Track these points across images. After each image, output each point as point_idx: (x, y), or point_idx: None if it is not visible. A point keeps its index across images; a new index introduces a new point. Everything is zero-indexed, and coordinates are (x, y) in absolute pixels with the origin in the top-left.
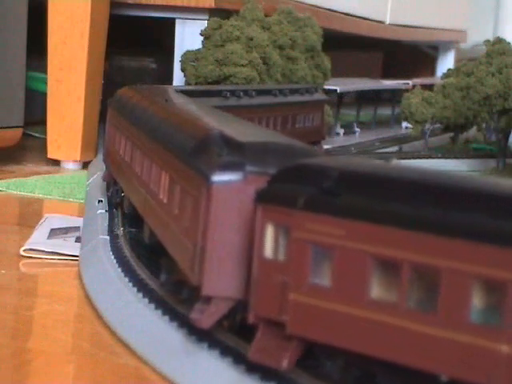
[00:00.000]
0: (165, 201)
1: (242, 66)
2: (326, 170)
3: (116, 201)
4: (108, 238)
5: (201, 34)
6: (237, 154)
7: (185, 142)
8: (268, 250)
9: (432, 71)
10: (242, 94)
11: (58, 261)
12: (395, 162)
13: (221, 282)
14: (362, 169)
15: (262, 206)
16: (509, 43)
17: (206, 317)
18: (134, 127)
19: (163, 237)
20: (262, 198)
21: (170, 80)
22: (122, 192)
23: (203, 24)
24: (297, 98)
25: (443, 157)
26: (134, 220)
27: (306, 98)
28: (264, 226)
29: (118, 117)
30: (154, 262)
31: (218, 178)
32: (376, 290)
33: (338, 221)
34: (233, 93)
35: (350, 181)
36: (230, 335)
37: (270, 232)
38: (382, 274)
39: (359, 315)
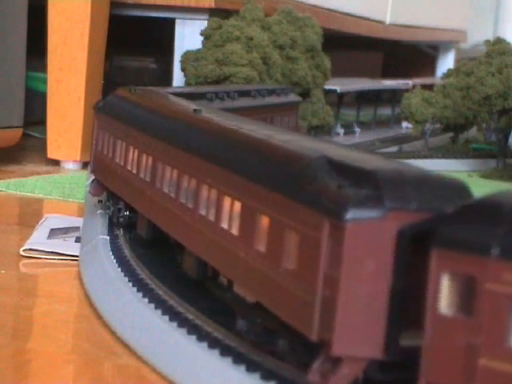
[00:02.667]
0: (238, 234)
1: (242, 65)
2: None
3: (118, 220)
4: (108, 238)
5: (201, 34)
6: (366, 184)
7: (273, 168)
8: (446, 305)
9: (432, 71)
10: (225, 96)
11: (58, 261)
12: None
13: (355, 339)
14: None
15: (438, 252)
16: (509, 43)
17: (336, 380)
18: (158, 141)
19: (236, 275)
20: (438, 242)
21: (169, 80)
22: (127, 211)
23: (203, 24)
24: (274, 99)
25: (443, 157)
26: (152, 244)
27: (282, 99)
28: (440, 275)
29: (117, 124)
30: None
31: (353, 215)
32: None
33: None
34: (216, 95)
35: None
36: (230, 335)
37: (448, 283)
38: None
39: None
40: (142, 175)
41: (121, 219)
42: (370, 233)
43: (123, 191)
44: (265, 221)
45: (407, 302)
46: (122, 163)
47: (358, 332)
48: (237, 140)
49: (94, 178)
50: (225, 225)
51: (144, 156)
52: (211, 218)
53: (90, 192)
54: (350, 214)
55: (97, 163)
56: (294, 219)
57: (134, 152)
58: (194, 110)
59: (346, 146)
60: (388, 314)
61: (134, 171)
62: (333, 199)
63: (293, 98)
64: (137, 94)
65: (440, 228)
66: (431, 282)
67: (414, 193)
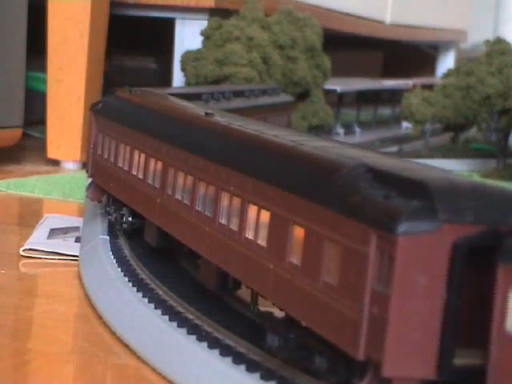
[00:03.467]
0: (266, 245)
1: (242, 65)
2: None
3: (121, 227)
4: (108, 238)
5: (201, 34)
6: (416, 195)
7: (308, 176)
8: None
9: (432, 71)
10: (220, 96)
11: (58, 261)
12: None
13: (407, 359)
14: None
15: (505, 267)
16: (509, 43)
17: None
18: (169, 145)
19: (265, 287)
20: (505, 256)
21: (169, 80)
22: (130, 217)
23: (203, 24)
24: (267, 99)
25: (443, 157)
26: (159, 254)
27: (275, 99)
28: (508, 291)
29: (119, 127)
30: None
31: (406, 228)
32: None
33: None
34: (212, 95)
35: None
36: (230, 334)
37: None
38: None
39: None
40: (150, 181)
41: (124, 225)
42: (424, 247)
43: (128, 197)
44: (299, 232)
45: (462, 319)
46: (126, 168)
47: (410, 351)
48: (263, 146)
49: (92, 181)
50: (250, 235)
51: (152, 161)
52: (233, 227)
53: (88, 197)
54: (403, 227)
55: (96, 167)
56: (333, 231)
57: (140, 156)
58: (206, 114)
59: (380, 152)
60: (442, 332)
61: (141, 176)
62: (380, 210)
63: (285, 97)
64: (138, 95)
65: (506, 242)
66: (497, 298)
67: (468, 204)
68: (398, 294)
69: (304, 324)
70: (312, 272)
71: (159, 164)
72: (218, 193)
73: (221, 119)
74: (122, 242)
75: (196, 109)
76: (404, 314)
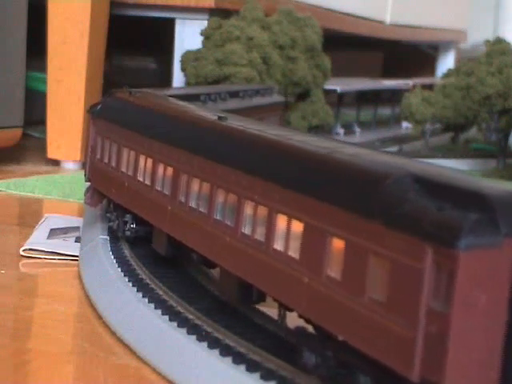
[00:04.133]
0: (299, 257)
1: (242, 65)
2: None
3: (124, 234)
4: (108, 238)
5: (201, 34)
6: (474, 207)
7: (349, 186)
8: None
9: (432, 71)
10: (217, 97)
11: (58, 261)
12: None
13: (468, 380)
14: None
15: None
16: (509, 43)
17: None
18: (181, 150)
19: (298, 302)
20: None
21: (169, 80)
22: (134, 224)
23: (203, 24)
24: (261, 100)
25: (443, 157)
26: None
27: (268, 99)
28: None
29: (122, 130)
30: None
31: (467, 242)
32: None
33: None
34: (209, 97)
35: None
36: (230, 334)
37: None
38: None
39: None
40: (159, 187)
41: (127, 233)
42: (485, 262)
43: (133, 204)
44: (339, 244)
45: None
46: (130, 173)
47: (472, 373)
48: (291, 153)
49: (90, 186)
50: (279, 246)
51: (161, 166)
52: (259, 237)
53: (86, 202)
54: (464, 241)
55: (95, 172)
56: (379, 244)
57: (146, 161)
58: (219, 118)
59: (416, 160)
60: (505, 351)
61: (148, 182)
62: (436, 223)
63: (277, 98)
64: (139, 97)
65: None
66: None
67: None
68: (459, 312)
69: (342, 340)
70: (355, 287)
71: (169, 170)
72: (241, 201)
73: (236, 123)
74: (122, 242)
75: (206, 112)
76: (465, 334)
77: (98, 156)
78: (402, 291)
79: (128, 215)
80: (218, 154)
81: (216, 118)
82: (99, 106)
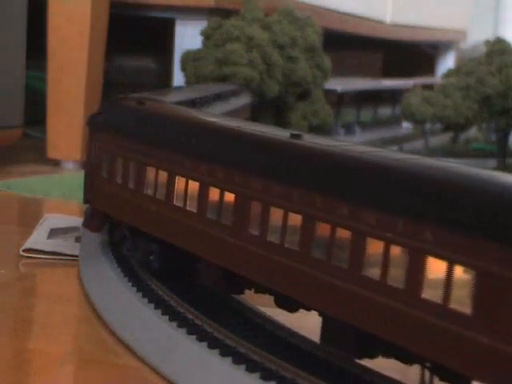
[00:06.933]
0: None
1: (242, 65)
2: None
3: (149, 266)
4: (108, 238)
5: (201, 34)
6: None
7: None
8: None
9: (432, 71)
10: (205, 101)
11: (58, 261)
12: None
13: None
14: None
15: None
16: (509, 43)
17: None
18: (249, 176)
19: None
20: None
21: (169, 80)
22: (162, 255)
23: (203, 24)
24: (237, 101)
25: (443, 157)
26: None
27: (242, 100)
28: None
29: (141, 146)
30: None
31: None
32: None
33: None
34: (200, 100)
35: None
36: (230, 334)
37: None
38: None
39: None
40: (212, 216)
41: (155, 265)
42: None
43: (166, 233)
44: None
45: None
46: (161, 197)
47: None
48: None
49: (90, 208)
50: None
51: (213, 191)
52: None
53: (85, 226)
54: None
55: (101, 194)
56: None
57: (187, 184)
58: (292, 135)
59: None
60: None
61: (194, 209)
62: None
63: (246, 98)
64: (150, 106)
65: None
66: None
67: None
68: None
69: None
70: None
71: (231, 196)
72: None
73: (312, 141)
74: (142, 273)
75: (265, 128)
76: None
77: (105, 175)
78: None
79: (154, 244)
80: (314, 180)
81: (288, 135)
82: (103, 118)
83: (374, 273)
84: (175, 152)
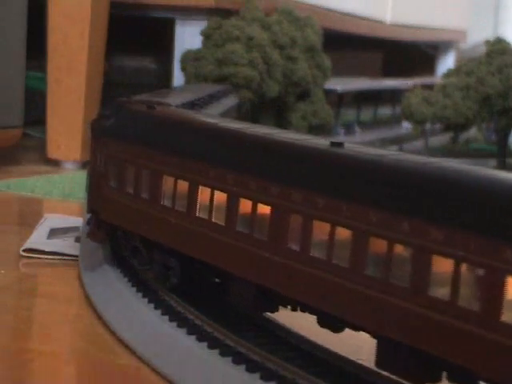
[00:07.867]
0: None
1: (242, 65)
2: None
3: (169, 282)
4: (108, 238)
5: (201, 34)
6: None
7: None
8: None
9: (432, 71)
10: (202, 102)
11: (58, 261)
12: None
13: None
14: None
15: None
16: (509, 43)
17: None
18: (288, 188)
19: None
20: None
21: (169, 80)
22: (182, 270)
23: (203, 24)
24: (227, 102)
25: (443, 157)
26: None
27: (231, 101)
28: None
29: (156, 155)
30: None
31: None
32: None
33: None
34: (199, 102)
35: None
36: (230, 335)
37: None
38: None
39: None
40: (243, 229)
41: (173, 280)
42: None
43: (189, 247)
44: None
45: None
46: (182, 209)
47: None
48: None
49: (92, 218)
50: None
51: (245, 202)
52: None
53: (89, 237)
54: None
55: (108, 204)
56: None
57: (213, 195)
58: (332, 144)
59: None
60: None
61: (221, 222)
62: None
63: (233, 99)
64: (163, 111)
65: None
66: None
67: None
68: None
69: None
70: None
71: (266, 208)
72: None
73: (355, 150)
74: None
75: (298, 135)
76: None
77: (113, 185)
78: None
79: (173, 260)
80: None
81: (328, 144)
82: (109, 123)
83: (442, 293)
84: (198, 161)
